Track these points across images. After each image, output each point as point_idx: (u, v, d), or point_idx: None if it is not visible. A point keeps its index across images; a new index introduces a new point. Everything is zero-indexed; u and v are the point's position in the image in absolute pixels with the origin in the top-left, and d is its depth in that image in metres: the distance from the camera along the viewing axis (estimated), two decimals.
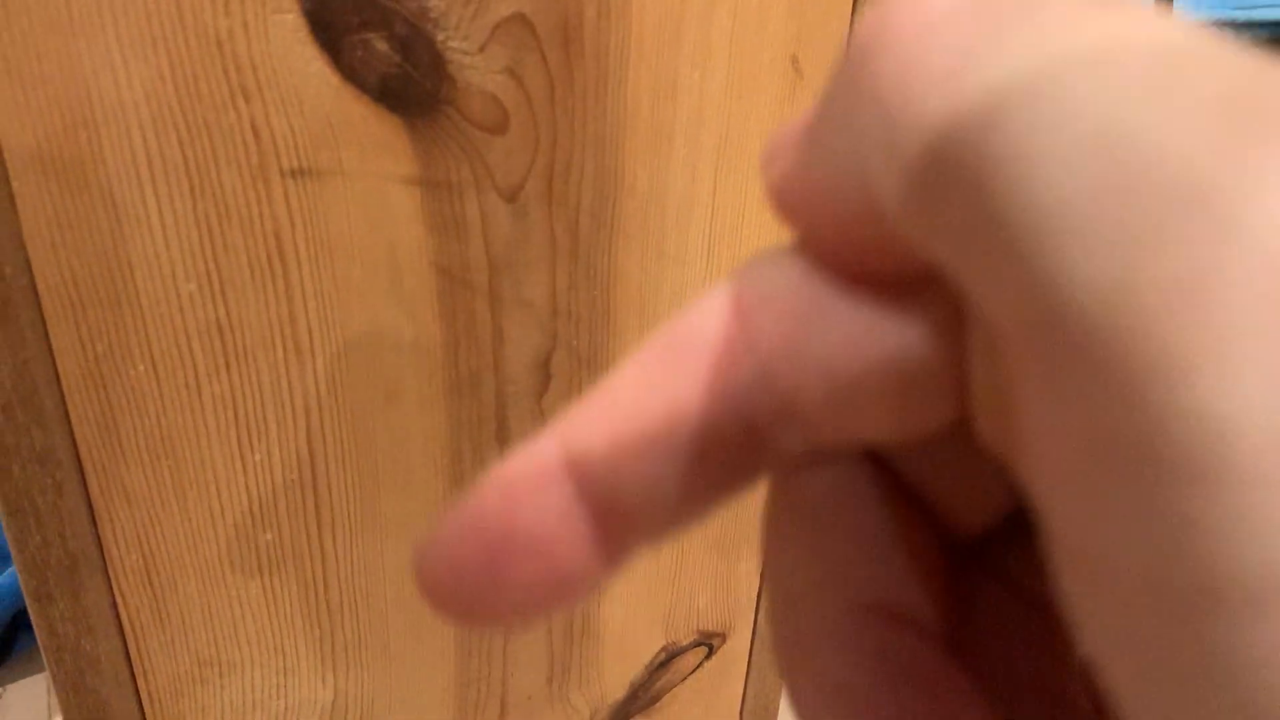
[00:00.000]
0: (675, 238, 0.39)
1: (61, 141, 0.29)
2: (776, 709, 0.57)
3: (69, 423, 0.33)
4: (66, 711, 0.39)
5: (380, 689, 0.44)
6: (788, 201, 0.11)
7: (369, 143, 0.33)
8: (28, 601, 0.36)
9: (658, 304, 0.40)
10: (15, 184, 0.29)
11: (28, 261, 0.31)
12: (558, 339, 0.39)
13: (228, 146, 0.31)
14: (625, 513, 0.11)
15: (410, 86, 0.32)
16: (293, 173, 0.32)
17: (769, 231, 0.41)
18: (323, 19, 0.30)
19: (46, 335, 0.32)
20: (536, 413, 0.41)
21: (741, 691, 0.55)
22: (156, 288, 0.32)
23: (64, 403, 0.33)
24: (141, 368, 0.33)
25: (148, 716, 0.40)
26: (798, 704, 0.12)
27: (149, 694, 0.40)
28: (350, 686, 0.43)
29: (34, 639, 0.69)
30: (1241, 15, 0.75)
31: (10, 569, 0.67)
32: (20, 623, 0.69)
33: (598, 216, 0.37)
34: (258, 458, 0.37)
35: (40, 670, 0.70)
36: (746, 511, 0.48)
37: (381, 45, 0.31)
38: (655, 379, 0.11)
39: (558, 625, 0.47)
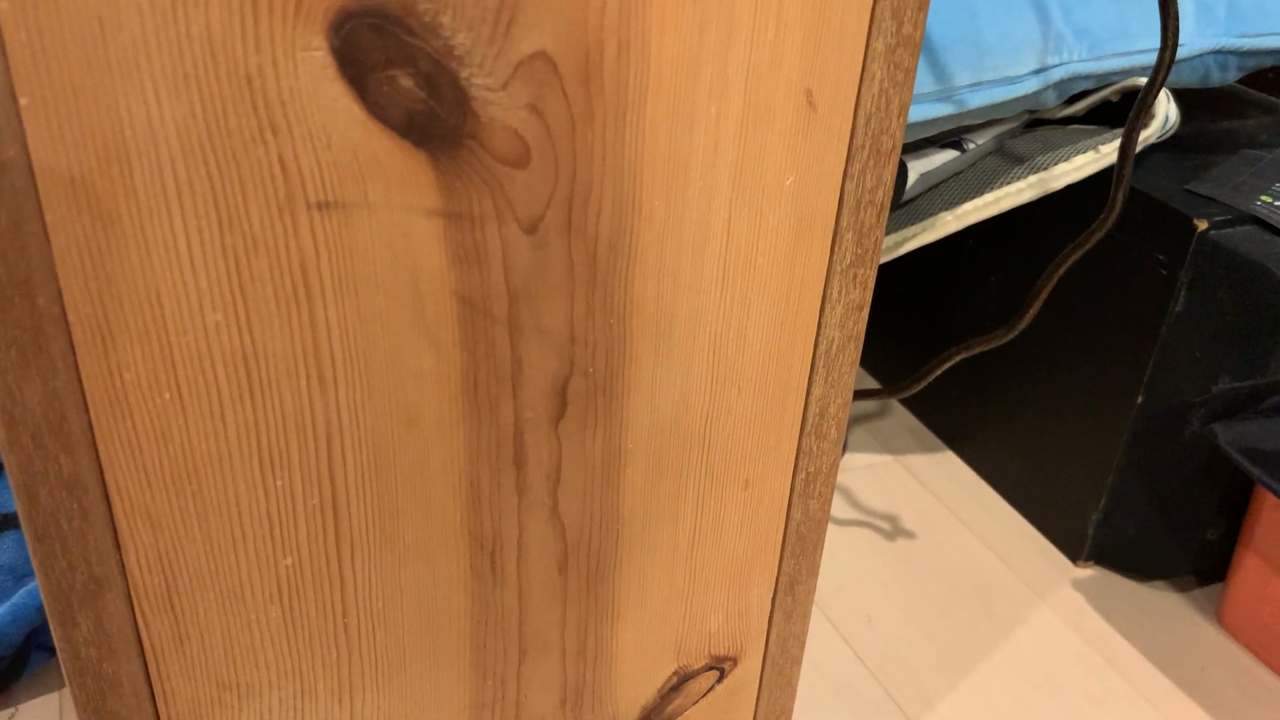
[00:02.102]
0: (691, 266, 0.40)
1: (95, 175, 0.30)
2: (789, 717, 0.57)
3: (95, 449, 0.34)
4: None
5: (396, 711, 0.45)
6: None
7: (394, 176, 0.33)
8: (51, 624, 0.36)
9: (673, 331, 0.41)
10: (49, 216, 0.30)
11: (59, 292, 0.31)
12: (574, 366, 0.40)
13: (256, 180, 0.32)
14: None
15: (434, 122, 0.33)
16: (319, 205, 0.33)
17: (782, 259, 0.41)
18: (350, 56, 0.31)
19: (76, 364, 0.32)
20: (553, 438, 0.41)
21: (752, 715, 0.55)
22: (184, 318, 0.33)
23: (91, 430, 0.34)
24: (167, 396, 0.34)
25: None
26: None
27: (169, 717, 0.40)
28: (367, 709, 0.44)
29: (46, 658, 0.69)
30: (1246, 44, 0.76)
31: (22, 588, 0.67)
32: (33, 642, 0.69)
33: (616, 246, 0.38)
34: (279, 484, 0.37)
35: (53, 689, 0.70)
36: (759, 537, 0.49)
37: (407, 82, 0.32)
38: None
39: (571, 647, 0.47)
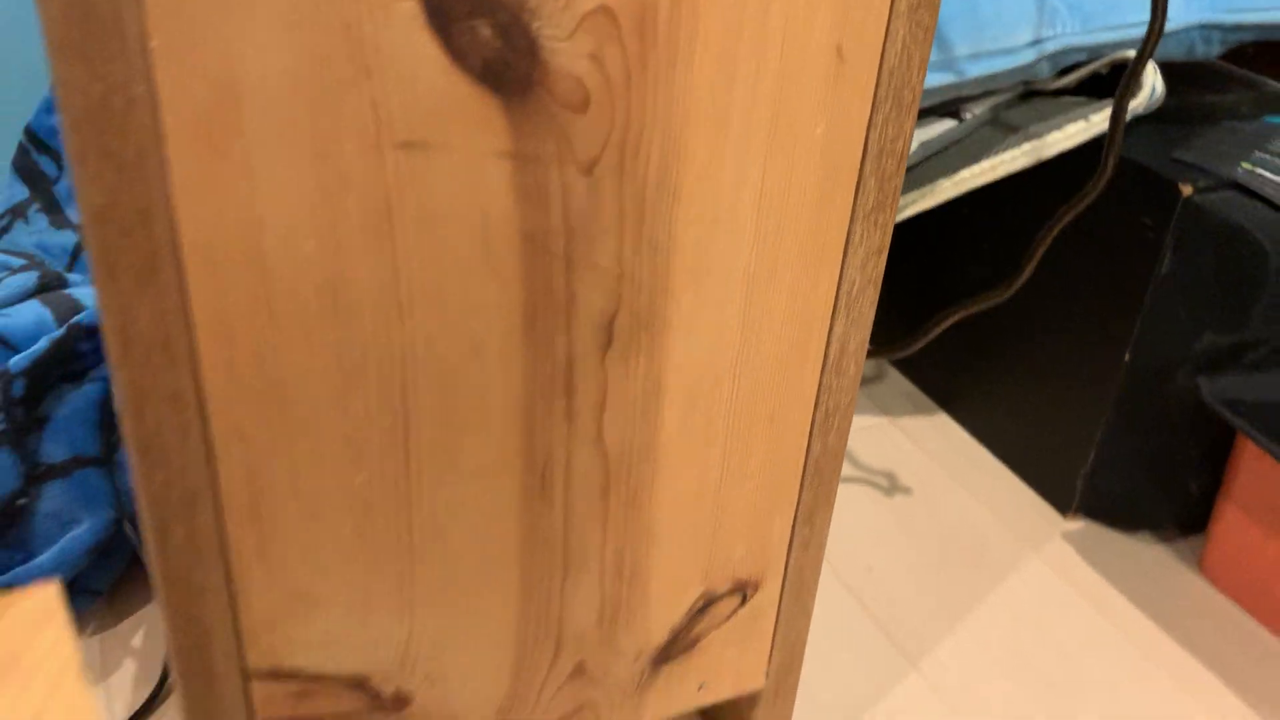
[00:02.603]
0: (729, 208, 0.43)
1: (211, 112, 0.33)
2: (802, 654, 0.61)
3: (197, 369, 0.37)
4: (173, 639, 0.43)
5: (450, 626, 0.48)
6: None
7: (470, 120, 0.37)
8: (147, 534, 0.40)
9: (710, 270, 0.44)
10: (170, 149, 0.33)
11: (174, 220, 0.34)
12: (621, 301, 0.43)
13: (350, 120, 0.35)
14: None
15: (508, 69, 0.36)
16: (404, 145, 0.36)
17: (810, 203, 0.45)
18: (437, 7, 0.34)
19: (185, 289, 0.36)
20: (600, 370, 0.45)
21: (770, 638, 0.59)
22: (281, 246, 0.36)
23: (194, 350, 0.37)
24: (263, 319, 0.37)
25: (244, 646, 0.44)
26: None
27: (248, 625, 0.44)
28: (424, 623, 0.47)
29: (89, 601, 0.72)
30: (1230, 19, 0.80)
31: (67, 534, 0.70)
32: (78, 587, 0.72)
33: (661, 188, 0.41)
34: (357, 405, 0.41)
35: (86, 634, 0.73)
36: (782, 469, 0.52)
37: (485, 31, 0.35)
38: None
39: (610, 568, 0.51)
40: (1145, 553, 0.91)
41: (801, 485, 0.54)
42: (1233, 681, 0.79)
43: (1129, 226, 0.82)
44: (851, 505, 0.94)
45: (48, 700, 0.26)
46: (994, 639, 0.81)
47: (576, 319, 0.43)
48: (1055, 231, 0.74)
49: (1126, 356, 0.84)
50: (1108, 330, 0.85)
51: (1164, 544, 0.92)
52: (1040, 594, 0.85)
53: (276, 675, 0.45)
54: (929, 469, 0.98)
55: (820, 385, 0.51)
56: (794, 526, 0.55)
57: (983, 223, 0.95)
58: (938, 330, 0.83)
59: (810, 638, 0.79)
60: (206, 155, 0.34)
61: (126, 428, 0.37)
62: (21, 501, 0.70)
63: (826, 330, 0.49)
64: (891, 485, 0.96)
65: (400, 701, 0.49)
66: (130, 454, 0.38)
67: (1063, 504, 0.94)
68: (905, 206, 0.82)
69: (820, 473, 0.54)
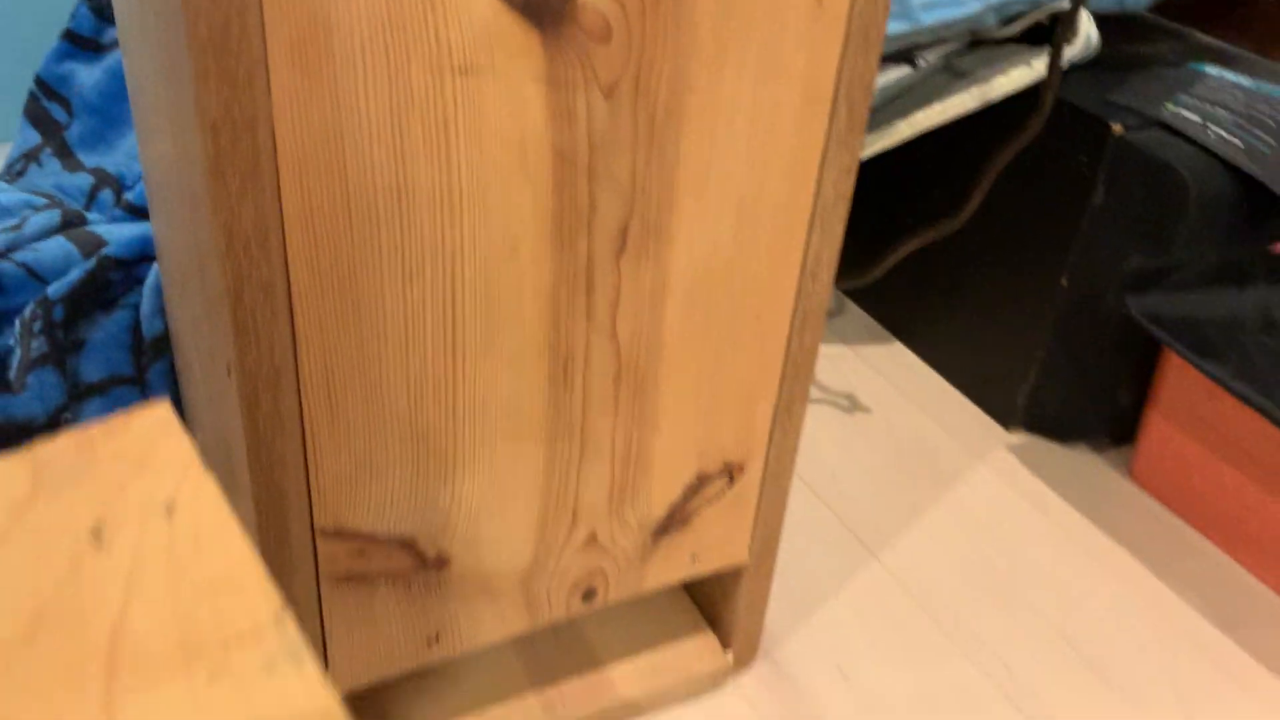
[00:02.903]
0: (725, 130, 0.51)
1: (307, 40, 0.40)
2: (779, 533, 0.70)
3: (286, 261, 0.44)
4: (256, 502, 0.50)
5: (485, 496, 0.56)
6: None
7: (513, 48, 0.44)
8: (240, 405, 0.47)
9: (709, 184, 0.52)
10: (272, 71, 0.40)
11: (273, 131, 0.41)
12: (634, 209, 0.51)
13: (417, 47, 0.42)
14: None
15: (545, 5, 0.43)
16: (460, 70, 0.43)
17: (793, 126, 0.52)
18: None
19: (279, 190, 0.43)
20: (615, 271, 0.52)
21: (753, 516, 0.67)
22: (357, 155, 0.43)
23: (284, 245, 0.44)
24: (340, 218, 0.44)
25: (314, 508, 0.51)
26: None
27: (317, 489, 0.51)
28: (464, 492, 0.55)
29: None
30: None
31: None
32: None
33: (670, 110, 0.49)
34: (414, 295, 0.48)
35: None
36: (765, 363, 0.60)
37: None
38: None
39: (620, 451, 0.58)
40: (1081, 461, 1.00)
41: (782, 378, 0.62)
42: (1157, 568, 0.89)
43: (1065, 163, 0.91)
44: (817, 423, 1.02)
45: (179, 487, 0.32)
46: (945, 533, 0.90)
47: (596, 224, 0.50)
48: (1001, 164, 0.83)
49: (1064, 282, 0.93)
50: (1046, 259, 0.94)
51: (1098, 454, 1.02)
52: (986, 496, 0.95)
53: (340, 534, 0.53)
54: (886, 391, 1.07)
55: (799, 290, 0.59)
56: (775, 416, 0.63)
57: (933, 162, 1.04)
58: (895, 258, 0.91)
59: (783, 533, 0.88)
60: (301, 75, 0.41)
61: (227, 311, 0.44)
62: (66, 416, 0.76)
63: (804, 240, 0.57)
64: (852, 405, 1.05)
65: (441, 562, 0.57)
66: (229, 335, 0.45)
67: (1006, 419, 1.03)
68: (866, 147, 0.90)
69: (797, 368, 0.62)
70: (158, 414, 0.34)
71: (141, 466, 0.31)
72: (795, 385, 0.63)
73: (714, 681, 0.74)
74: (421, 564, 0.56)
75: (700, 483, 0.63)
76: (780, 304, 0.59)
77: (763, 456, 0.65)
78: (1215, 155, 0.87)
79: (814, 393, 1.07)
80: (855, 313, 1.19)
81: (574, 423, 0.56)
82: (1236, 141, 0.87)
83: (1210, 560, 0.90)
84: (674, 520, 0.64)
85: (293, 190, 0.43)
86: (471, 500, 0.55)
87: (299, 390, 0.48)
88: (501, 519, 0.57)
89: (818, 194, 0.56)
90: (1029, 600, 0.85)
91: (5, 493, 0.30)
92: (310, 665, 0.25)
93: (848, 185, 0.56)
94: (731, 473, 0.64)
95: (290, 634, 0.26)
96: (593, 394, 0.56)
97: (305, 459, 0.50)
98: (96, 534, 0.29)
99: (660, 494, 0.62)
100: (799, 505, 0.92)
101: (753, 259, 0.56)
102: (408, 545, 0.55)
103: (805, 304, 0.59)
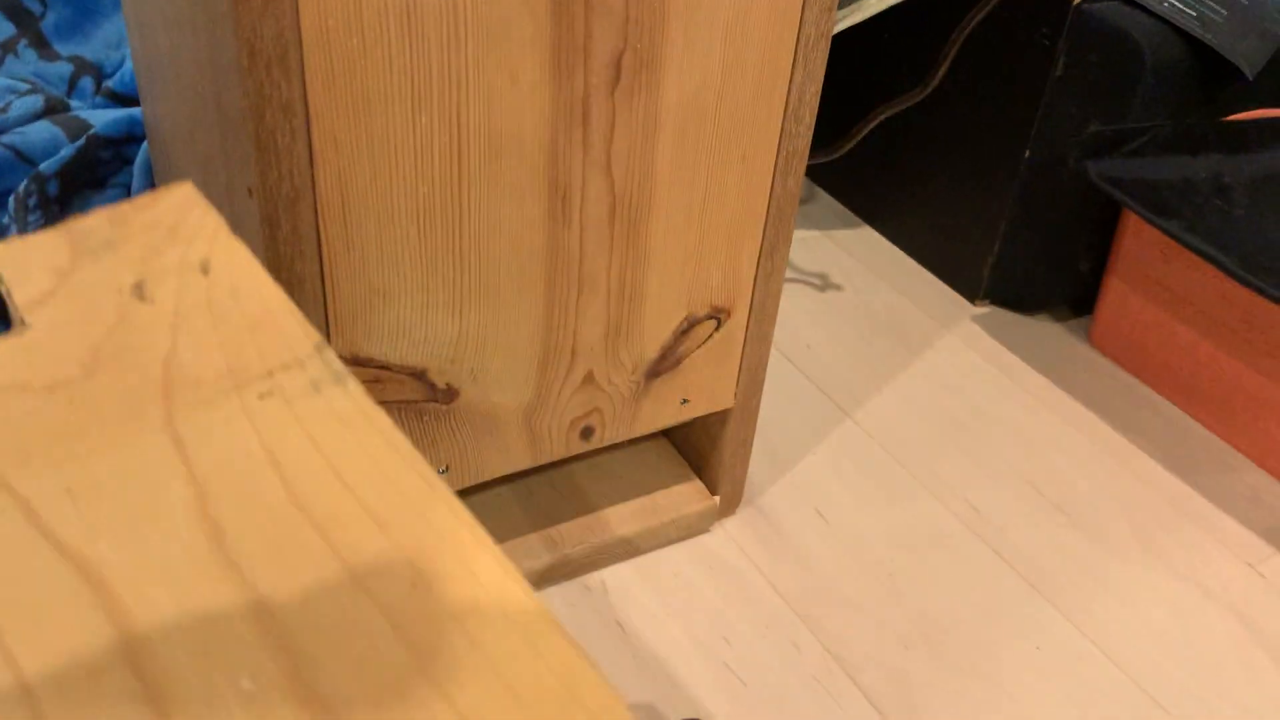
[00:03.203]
0: None
1: None
2: (763, 381, 0.73)
3: (304, 81, 0.46)
4: None
5: (491, 328, 0.59)
6: None
7: None
8: (261, 228, 0.49)
9: (698, 18, 0.54)
10: None
11: None
12: (628, 41, 0.53)
13: None
14: None
15: None
16: None
17: None
18: None
19: (297, 9, 0.45)
20: (609, 103, 0.55)
21: (739, 362, 0.71)
22: None
23: (302, 65, 0.46)
24: (355, 40, 0.47)
25: (331, 336, 0.54)
26: None
27: (334, 315, 0.54)
28: (470, 324, 0.58)
29: None
30: None
31: None
32: None
33: None
34: (423, 121, 0.50)
35: None
36: (750, 205, 0.63)
37: None
38: None
39: (615, 289, 0.62)
40: (1043, 329, 1.05)
41: (766, 221, 0.65)
42: (1115, 421, 0.94)
43: (1027, 37, 0.94)
44: (792, 301, 1.06)
45: (211, 249, 0.35)
46: (915, 395, 0.95)
47: (592, 55, 0.53)
48: (965, 33, 0.86)
49: (1027, 153, 0.97)
50: (1009, 133, 0.98)
51: (1059, 323, 1.06)
52: (953, 362, 0.99)
53: (356, 362, 0.55)
54: (857, 270, 1.11)
55: (783, 131, 0.62)
56: (759, 260, 0.67)
57: (897, 40, 1.07)
58: (864, 130, 0.94)
59: (762, 399, 0.92)
60: None
61: (249, 132, 0.47)
62: None
63: (788, 79, 0.60)
64: (825, 283, 1.09)
65: (451, 394, 0.60)
66: (250, 156, 0.47)
67: (971, 293, 1.07)
68: (838, 21, 0.93)
69: (780, 211, 0.65)
70: (184, 190, 0.36)
71: (173, 234, 0.33)
72: (779, 229, 0.66)
73: (702, 523, 0.78)
74: (432, 395, 0.59)
75: (690, 325, 0.67)
76: (765, 145, 0.62)
77: (748, 302, 0.68)
78: (1170, 24, 0.90)
79: (788, 273, 1.10)
80: (825, 200, 1.22)
81: (572, 259, 0.59)
82: (1190, 11, 0.91)
83: (1164, 414, 0.96)
84: (665, 362, 0.67)
85: (310, 12, 0.45)
86: (478, 332, 0.58)
87: (316, 213, 0.50)
88: (506, 353, 0.60)
89: (800, 32, 0.58)
90: (995, 451, 0.90)
91: (48, 261, 0.32)
92: (354, 384, 0.28)
93: (829, 23, 0.59)
94: (719, 317, 0.67)
95: (332, 361, 0.29)
96: (589, 230, 0.59)
97: (323, 283, 0.52)
98: (139, 289, 0.31)
99: (652, 334, 0.65)
100: (777, 373, 0.96)
101: (740, 93, 0.59)
102: (419, 375, 0.58)
103: (789, 146, 0.63)
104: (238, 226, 0.54)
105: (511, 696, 0.22)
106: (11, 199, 0.80)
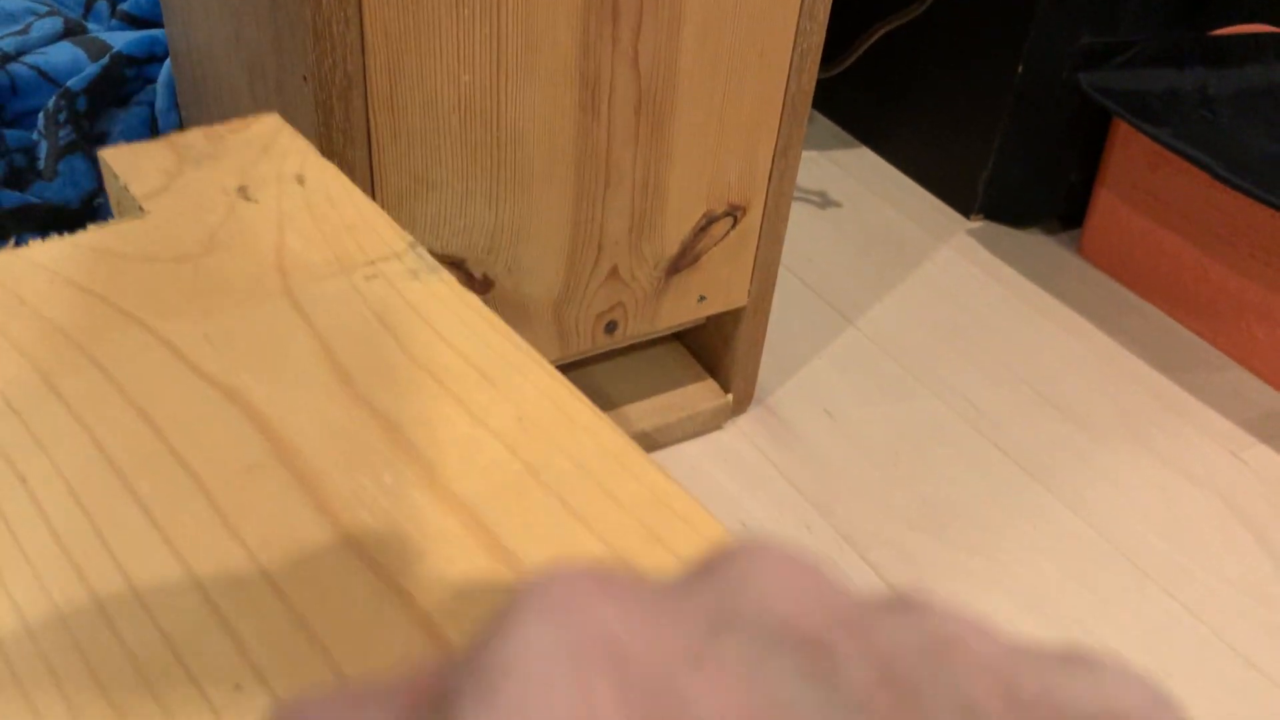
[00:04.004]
0: None
1: None
2: (775, 280, 0.77)
3: None
4: None
5: (525, 219, 0.62)
6: None
7: None
8: (317, 114, 0.52)
9: None
10: None
11: None
12: None
13: None
14: None
15: None
16: None
17: None
18: None
19: None
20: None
21: (753, 261, 0.74)
22: None
23: None
24: None
25: None
26: None
27: (382, 202, 0.57)
28: (505, 215, 0.61)
29: None
30: None
31: None
32: None
33: None
34: (465, 12, 0.53)
35: None
36: (766, 102, 0.67)
37: None
38: None
39: (639, 183, 0.65)
40: (1035, 241, 1.09)
41: (781, 119, 0.68)
42: (1104, 325, 0.98)
43: None
44: (793, 218, 1.09)
45: (304, 165, 0.38)
46: (914, 302, 0.99)
47: None
48: None
49: (1019, 69, 1.00)
50: (1004, 49, 1.01)
51: (1050, 235, 1.10)
52: (950, 272, 1.03)
53: None
54: (855, 189, 1.15)
55: (797, 29, 0.65)
56: (774, 158, 0.70)
57: None
58: (865, 45, 0.97)
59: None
60: None
61: (306, 19, 0.49)
62: (98, 201, 0.80)
63: None
64: (825, 201, 1.12)
65: (486, 284, 0.63)
66: (308, 42, 0.50)
67: (966, 208, 1.11)
68: None
69: (794, 110, 0.68)
70: (271, 118, 0.40)
71: (267, 151, 0.37)
72: (793, 127, 0.69)
73: (716, 419, 0.82)
74: (470, 285, 0.62)
75: (707, 222, 0.70)
76: (781, 41, 0.65)
77: (762, 200, 0.71)
78: None
79: None
80: (823, 122, 1.25)
81: (600, 152, 0.62)
82: None
83: (1151, 318, 1.00)
84: (684, 258, 0.70)
85: None
86: (512, 223, 0.62)
87: (366, 101, 0.53)
88: (539, 244, 0.63)
89: None
90: (991, 353, 0.94)
91: (155, 164, 0.35)
92: (447, 274, 0.31)
93: None
94: (735, 215, 0.71)
95: (425, 255, 0.32)
96: (616, 124, 0.62)
97: (371, 172, 0.55)
98: (243, 191, 0.34)
99: (674, 230, 0.69)
100: (782, 285, 0.99)
101: None
102: (458, 265, 0.61)
103: (803, 44, 0.66)
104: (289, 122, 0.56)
105: (613, 502, 0.26)
106: (41, 114, 0.82)
